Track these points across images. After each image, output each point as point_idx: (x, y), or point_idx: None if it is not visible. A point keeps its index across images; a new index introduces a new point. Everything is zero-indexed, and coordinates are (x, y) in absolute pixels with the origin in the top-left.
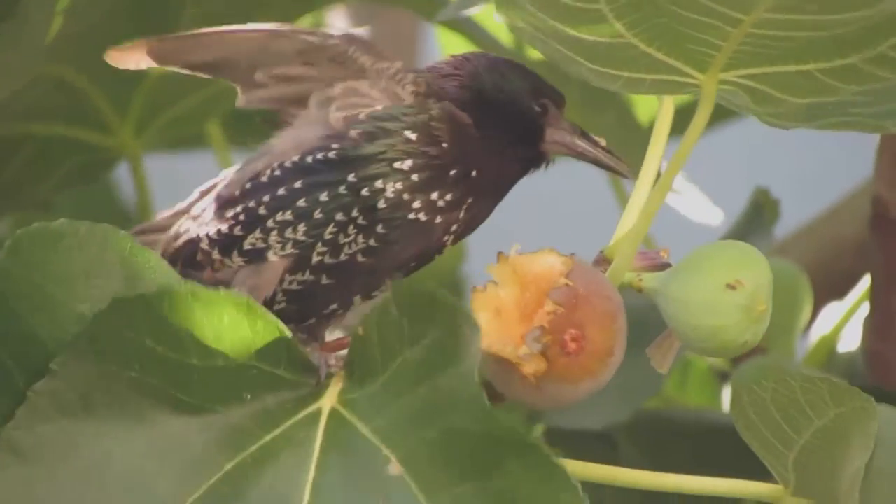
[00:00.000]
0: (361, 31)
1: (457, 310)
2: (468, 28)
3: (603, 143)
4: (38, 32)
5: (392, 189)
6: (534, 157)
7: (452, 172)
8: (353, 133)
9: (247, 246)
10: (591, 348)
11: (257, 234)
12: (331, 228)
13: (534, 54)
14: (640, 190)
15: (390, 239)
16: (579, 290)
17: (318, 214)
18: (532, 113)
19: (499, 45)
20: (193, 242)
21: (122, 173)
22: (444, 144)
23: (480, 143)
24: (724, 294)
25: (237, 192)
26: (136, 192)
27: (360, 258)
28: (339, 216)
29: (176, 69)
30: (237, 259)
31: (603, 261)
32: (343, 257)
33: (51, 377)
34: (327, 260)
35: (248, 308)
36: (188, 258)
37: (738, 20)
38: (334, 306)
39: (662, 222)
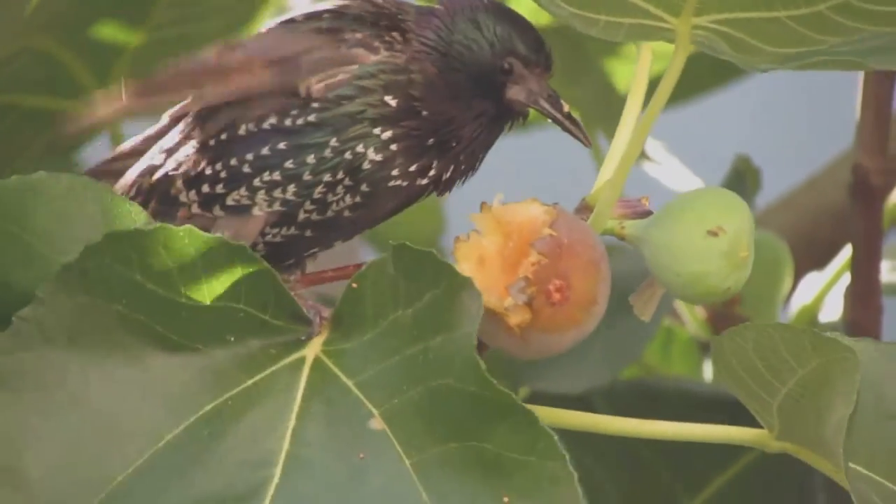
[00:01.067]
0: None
1: (456, 274)
2: None
3: (567, 108)
4: (18, 3)
5: (373, 154)
6: (499, 115)
7: (430, 142)
8: (331, 95)
9: (230, 202)
10: (576, 298)
11: (242, 191)
12: (320, 189)
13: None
14: (620, 137)
15: (375, 196)
16: (563, 240)
17: (307, 176)
18: (494, 71)
19: None
20: (168, 178)
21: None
22: (424, 113)
23: (454, 103)
24: (705, 240)
25: (212, 142)
26: None
27: (346, 213)
28: (328, 177)
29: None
30: (219, 212)
31: (585, 208)
32: (330, 214)
33: (36, 304)
34: (314, 217)
35: (243, 253)
36: (163, 194)
37: None
38: (315, 250)
39: (645, 190)
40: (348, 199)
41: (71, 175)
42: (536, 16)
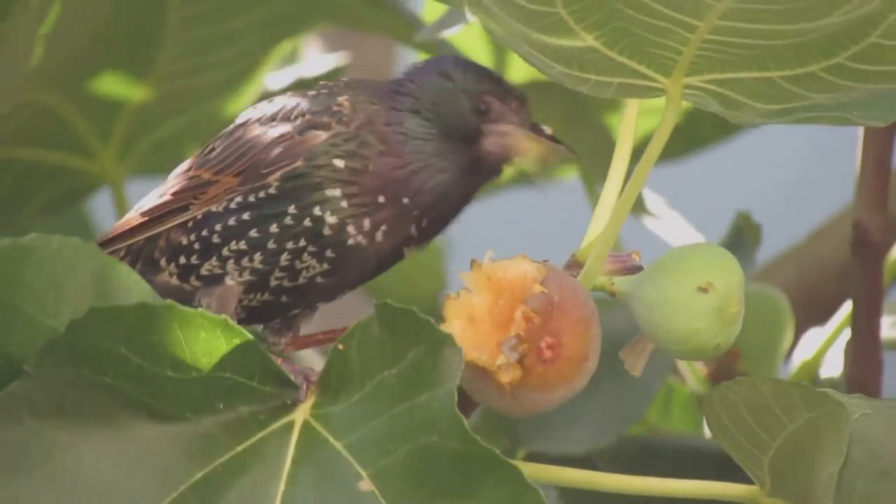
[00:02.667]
0: (338, 59)
1: (439, 332)
2: (444, 51)
3: (549, 131)
4: (21, 58)
5: (331, 217)
6: (478, 162)
7: (381, 199)
8: (288, 176)
9: (204, 272)
10: (567, 355)
11: (214, 261)
12: (285, 256)
13: (513, 77)
14: (609, 192)
15: (342, 260)
16: (554, 297)
17: (271, 244)
18: (470, 114)
19: None
20: (153, 240)
21: (101, 200)
22: (371, 169)
23: (414, 161)
24: (696, 297)
25: (190, 223)
26: (117, 218)
27: (318, 280)
28: (290, 245)
29: None
30: (195, 282)
31: (575, 264)
32: (302, 280)
33: (24, 379)
34: (286, 283)
35: (226, 326)
36: (148, 257)
37: (693, 26)
38: (296, 311)
39: (641, 246)
40: (317, 266)
41: (62, 237)
42: (531, 71)
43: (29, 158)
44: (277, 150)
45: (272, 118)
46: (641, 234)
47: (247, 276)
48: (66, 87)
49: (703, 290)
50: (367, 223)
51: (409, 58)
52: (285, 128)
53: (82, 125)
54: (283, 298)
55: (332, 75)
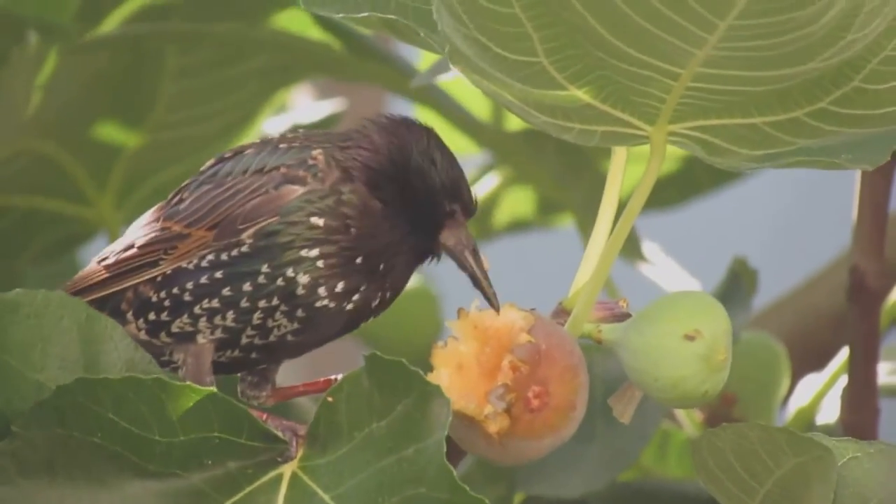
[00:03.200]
0: (334, 106)
1: (427, 384)
2: (438, 98)
3: (487, 265)
4: (19, 106)
5: (304, 277)
6: (425, 251)
7: (358, 261)
8: (262, 233)
9: (175, 329)
10: (555, 404)
11: (185, 318)
12: (258, 315)
13: (509, 125)
14: (597, 240)
15: (311, 321)
16: (541, 346)
17: (244, 303)
18: (440, 213)
19: (469, 115)
20: (119, 293)
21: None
22: (353, 230)
23: (388, 227)
24: (682, 344)
25: (158, 278)
26: None
27: (289, 338)
28: (263, 303)
29: None
30: (165, 338)
31: (562, 312)
32: (272, 338)
33: (12, 439)
34: (257, 341)
35: (212, 397)
36: (115, 308)
37: (676, 74)
38: (263, 366)
39: (640, 296)
40: (287, 325)
41: (47, 291)
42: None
43: (26, 205)
44: (252, 204)
45: (244, 170)
46: (638, 281)
47: (219, 334)
48: (63, 135)
49: (690, 337)
50: (340, 285)
51: (401, 104)
52: (260, 180)
53: (79, 172)
54: (253, 355)
55: (327, 122)
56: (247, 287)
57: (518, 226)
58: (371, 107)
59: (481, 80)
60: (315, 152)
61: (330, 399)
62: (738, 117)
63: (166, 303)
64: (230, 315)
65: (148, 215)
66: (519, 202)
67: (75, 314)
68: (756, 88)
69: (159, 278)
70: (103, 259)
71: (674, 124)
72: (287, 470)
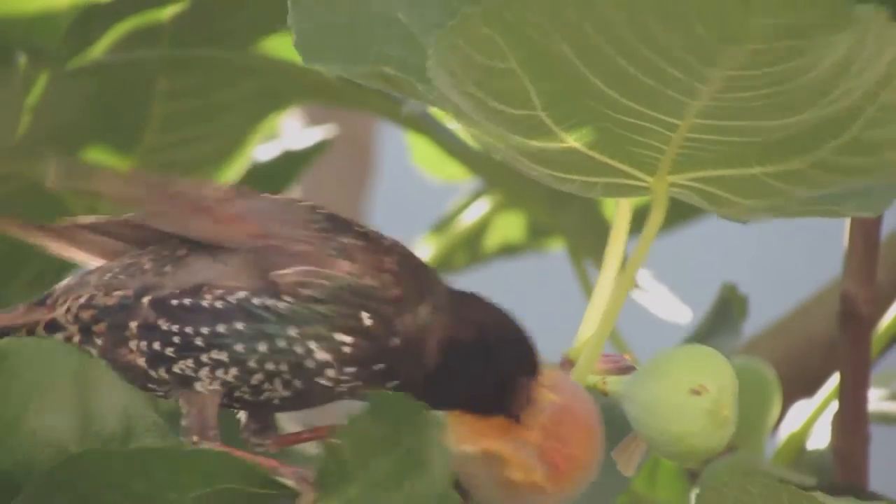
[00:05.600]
0: (324, 132)
1: (427, 415)
2: (429, 125)
3: None
4: (8, 130)
5: (321, 354)
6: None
7: (376, 368)
8: (304, 294)
9: (176, 369)
10: (578, 462)
11: (189, 363)
12: (258, 376)
13: None
14: (601, 291)
15: (304, 393)
16: (564, 402)
17: (252, 364)
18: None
19: (460, 142)
20: (128, 309)
21: None
22: (395, 340)
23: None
24: (688, 399)
25: (174, 302)
26: None
27: (275, 402)
28: (270, 367)
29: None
30: (162, 374)
31: (567, 363)
32: (261, 399)
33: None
34: (246, 397)
35: (225, 457)
36: (116, 325)
37: (673, 125)
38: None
39: (630, 320)
40: (280, 390)
41: (37, 340)
42: None
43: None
44: (307, 249)
45: (311, 217)
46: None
47: (216, 386)
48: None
49: (696, 392)
50: (347, 371)
51: (390, 134)
52: (321, 236)
53: (69, 197)
54: (236, 405)
55: (318, 149)
56: (262, 348)
57: (509, 250)
58: (362, 133)
59: (480, 134)
60: (388, 260)
61: (335, 441)
62: (738, 168)
63: (175, 339)
64: (233, 371)
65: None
66: (510, 227)
67: (67, 362)
68: (754, 139)
69: (175, 303)
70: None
71: (674, 175)
72: None
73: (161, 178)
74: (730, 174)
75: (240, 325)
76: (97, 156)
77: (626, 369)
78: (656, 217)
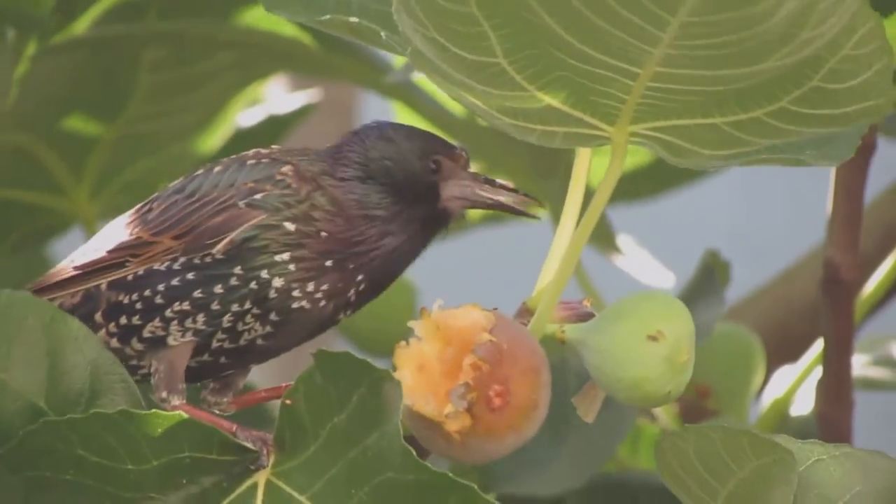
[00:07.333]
0: (308, 97)
1: (377, 370)
2: (412, 93)
3: (510, 185)
4: None
5: (278, 280)
6: (436, 218)
7: (328, 263)
8: (238, 238)
9: (146, 333)
10: (516, 403)
11: (156, 322)
12: (228, 318)
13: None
14: (560, 240)
15: (285, 325)
16: (503, 346)
17: (215, 306)
18: (424, 173)
19: (442, 109)
20: (90, 299)
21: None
22: (323, 234)
23: (364, 226)
24: (645, 345)
25: (129, 277)
26: None
27: (259, 342)
28: (235, 307)
29: None
30: (137, 345)
31: (526, 312)
32: (242, 342)
33: None
34: (227, 345)
35: (180, 421)
36: (85, 316)
37: (635, 74)
38: (230, 371)
39: (614, 287)
40: (259, 328)
41: (10, 292)
42: None
43: (3, 197)
44: (221, 218)
45: (214, 185)
46: (613, 273)
47: (189, 337)
48: (39, 127)
49: (653, 338)
50: (311, 286)
51: (372, 100)
52: (228, 193)
53: (55, 164)
54: (222, 360)
55: (302, 113)
56: (218, 289)
57: (493, 217)
58: (346, 98)
59: (443, 81)
60: (285, 168)
61: (288, 402)
62: (699, 117)
63: (138, 305)
64: (201, 318)
65: (119, 221)
66: None
67: (40, 314)
68: (715, 88)
69: (130, 278)
70: (73, 261)
71: (635, 125)
72: (261, 478)
73: None
74: (690, 124)
75: (191, 275)
76: (81, 126)
77: (584, 316)
78: (616, 167)
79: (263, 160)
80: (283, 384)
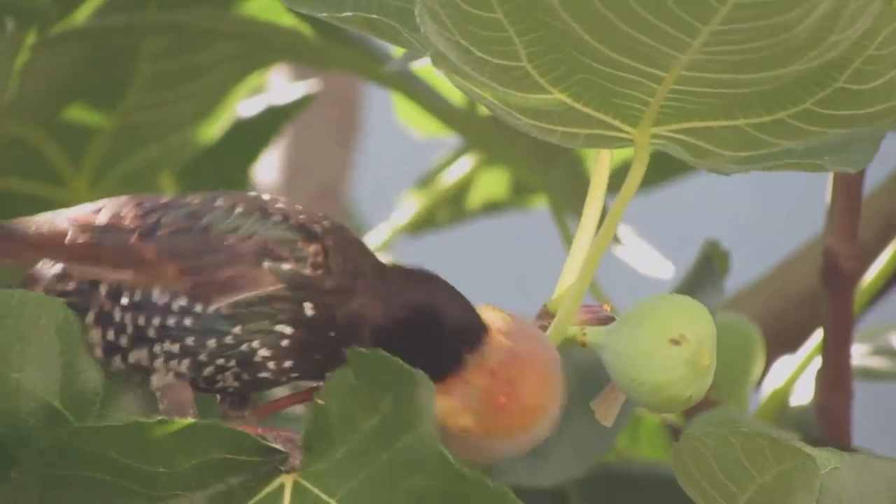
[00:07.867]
0: (309, 87)
1: (411, 373)
2: (411, 83)
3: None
4: None
5: (264, 351)
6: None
7: (317, 356)
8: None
9: (131, 359)
10: (525, 403)
11: (144, 353)
12: (209, 370)
13: (483, 109)
14: (581, 243)
15: (250, 384)
16: (515, 347)
17: (202, 357)
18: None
19: (442, 100)
20: (86, 296)
21: None
22: (331, 333)
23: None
24: (667, 349)
25: (125, 300)
26: None
27: (229, 391)
28: (220, 361)
29: None
30: (119, 364)
31: (546, 315)
32: (215, 388)
33: (13, 483)
34: (200, 386)
35: (211, 427)
36: (74, 307)
37: (659, 77)
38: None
39: (614, 276)
40: (231, 381)
41: (23, 292)
42: None
43: (2, 187)
44: (230, 273)
45: (234, 229)
46: (611, 262)
47: (170, 378)
48: (39, 118)
49: (676, 342)
50: (286, 365)
51: (374, 91)
52: (247, 246)
53: (55, 153)
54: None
55: (302, 103)
56: (211, 343)
57: (492, 207)
58: (347, 88)
59: (464, 82)
60: (313, 247)
61: (320, 402)
62: (722, 119)
63: (129, 330)
64: (185, 363)
65: (121, 206)
66: (492, 184)
67: (53, 314)
68: (740, 91)
69: (126, 301)
70: (74, 219)
71: (657, 127)
72: (288, 479)
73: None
74: (713, 126)
75: (188, 321)
76: (81, 116)
77: (605, 320)
78: (638, 169)
79: (290, 220)
80: (304, 389)
